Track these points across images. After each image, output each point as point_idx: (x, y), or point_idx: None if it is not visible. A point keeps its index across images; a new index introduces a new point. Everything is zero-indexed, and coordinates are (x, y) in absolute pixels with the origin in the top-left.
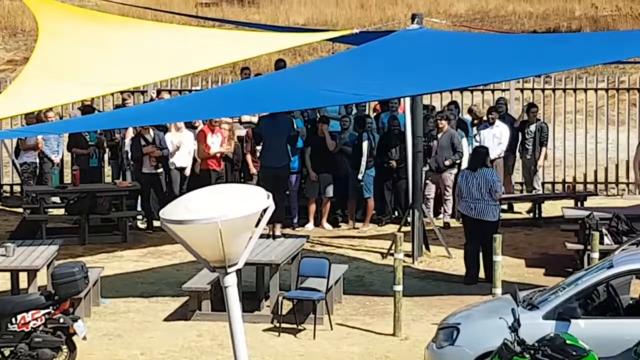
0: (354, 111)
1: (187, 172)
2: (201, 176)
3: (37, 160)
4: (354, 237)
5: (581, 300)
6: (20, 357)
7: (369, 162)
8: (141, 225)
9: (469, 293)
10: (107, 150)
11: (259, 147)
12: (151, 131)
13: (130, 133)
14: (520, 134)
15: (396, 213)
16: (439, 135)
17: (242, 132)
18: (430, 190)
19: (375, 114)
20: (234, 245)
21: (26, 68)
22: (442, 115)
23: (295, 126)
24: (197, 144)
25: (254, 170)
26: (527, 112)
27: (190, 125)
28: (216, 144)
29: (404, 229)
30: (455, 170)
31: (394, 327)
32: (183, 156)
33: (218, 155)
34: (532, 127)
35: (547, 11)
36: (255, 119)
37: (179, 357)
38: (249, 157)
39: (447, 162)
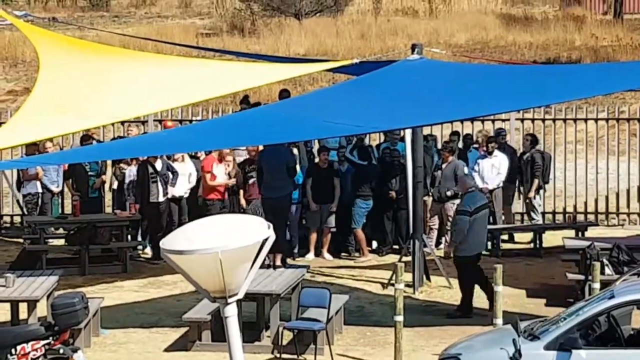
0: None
1: (184, 202)
2: (205, 206)
3: (41, 190)
4: (354, 267)
5: (582, 330)
6: None
7: (364, 193)
8: (144, 255)
9: (470, 323)
10: (105, 180)
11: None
12: (159, 160)
13: (133, 163)
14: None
15: (397, 243)
16: (444, 166)
17: (241, 158)
18: (435, 220)
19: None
20: (235, 275)
21: (27, 101)
22: (447, 146)
23: (295, 157)
24: (202, 173)
25: (243, 202)
26: (523, 141)
27: (192, 155)
28: (221, 173)
29: (404, 259)
30: (457, 201)
31: (394, 357)
32: (180, 186)
33: (223, 185)
34: (525, 157)
35: (547, 41)
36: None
37: None
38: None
39: (448, 193)
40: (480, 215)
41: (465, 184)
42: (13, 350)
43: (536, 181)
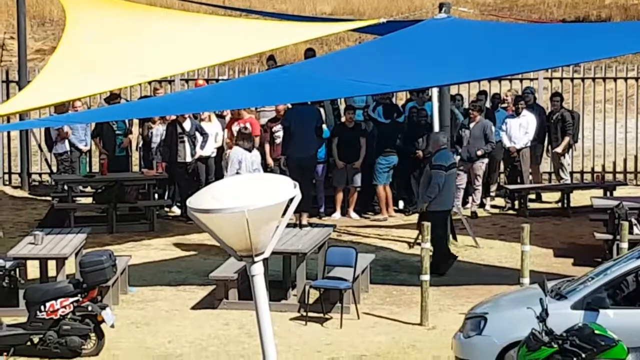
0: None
1: (211, 161)
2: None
3: (69, 149)
4: (380, 226)
5: (610, 290)
6: (49, 345)
7: (387, 150)
8: (171, 214)
9: (497, 283)
10: (132, 140)
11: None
12: (188, 120)
13: (158, 122)
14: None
15: None
16: (471, 125)
17: (263, 120)
18: (462, 179)
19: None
20: (261, 234)
21: (53, 58)
22: (475, 105)
23: (322, 117)
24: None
25: (270, 161)
26: (550, 101)
27: (218, 115)
28: None
29: None
30: (486, 160)
31: (421, 316)
32: (207, 145)
33: None
34: (555, 117)
35: (576, 0)
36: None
37: (206, 346)
38: (267, 147)
39: (479, 152)
40: (450, 172)
41: (437, 141)
42: (42, 307)
43: (567, 138)
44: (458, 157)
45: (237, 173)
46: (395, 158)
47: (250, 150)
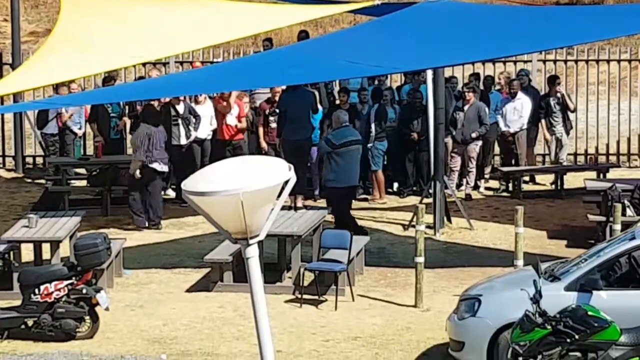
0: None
1: (207, 144)
2: (217, 146)
3: (57, 131)
4: (375, 208)
5: (603, 271)
6: (44, 328)
7: (380, 135)
8: (165, 197)
9: (491, 265)
10: (126, 122)
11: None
12: (181, 103)
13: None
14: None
15: (418, 185)
16: (465, 107)
17: (258, 101)
18: (456, 162)
19: (397, 85)
20: (256, 216)
21: (49, 40)
22: (469, 87)
23: (316, 99)
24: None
25: (264, 145)
26: (552, 84)
27: (211, 97)
28: (232, 115)
29: (425, 200)
30: (480, 142)
31: (415, 298)
32: (203, 128)
33: (233, 126)
34: (558, 96)
35: None
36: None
37: (201, 328)
38: (260, 131)
39: (473, 135)
40: (349, 149)
41: (337, 118)
42: (36, 290)
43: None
44: (451, 141)
45: (148, 149)
46: (386, 141)
47: (157, 126)
